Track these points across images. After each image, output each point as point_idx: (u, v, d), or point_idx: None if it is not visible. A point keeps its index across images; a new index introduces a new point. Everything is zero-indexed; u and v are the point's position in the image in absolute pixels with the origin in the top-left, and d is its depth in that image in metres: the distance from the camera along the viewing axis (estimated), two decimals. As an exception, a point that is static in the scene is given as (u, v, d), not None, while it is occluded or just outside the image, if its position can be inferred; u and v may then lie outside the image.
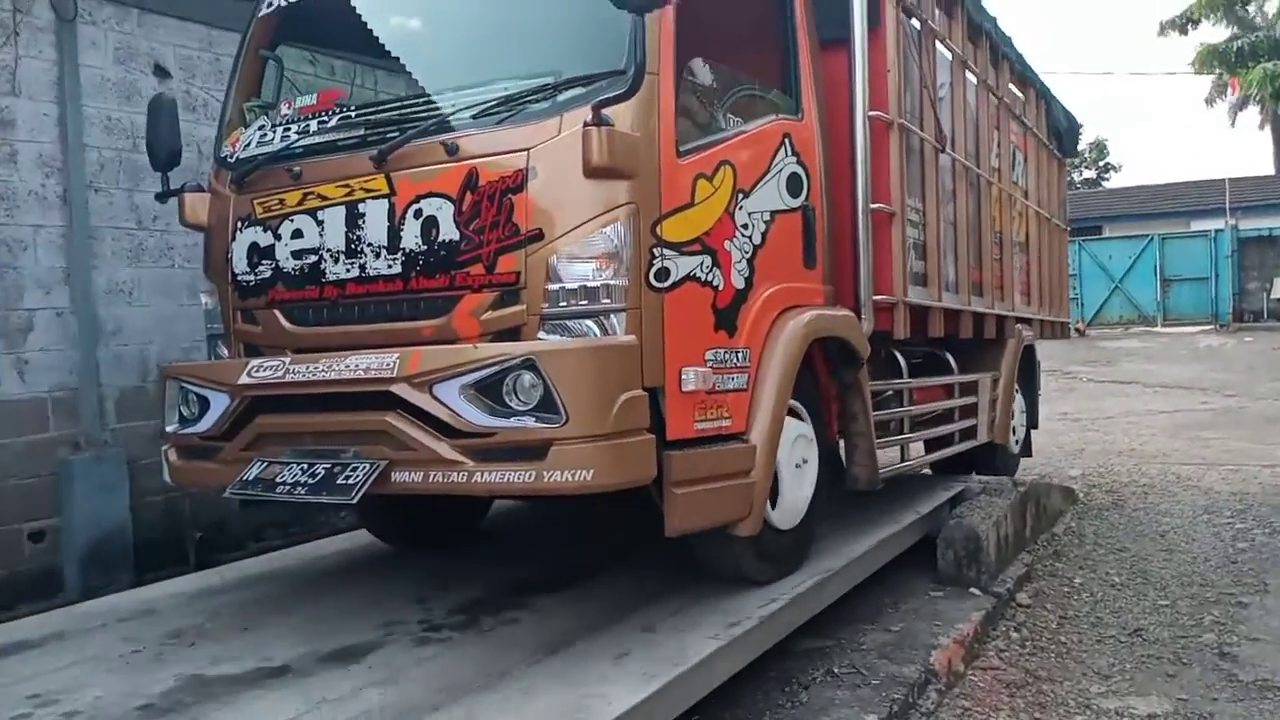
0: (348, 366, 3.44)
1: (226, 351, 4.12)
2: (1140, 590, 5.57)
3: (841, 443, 4.85)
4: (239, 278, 4.02)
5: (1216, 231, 28.37)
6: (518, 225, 3.37)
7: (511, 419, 3.19)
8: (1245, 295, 28.07)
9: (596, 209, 3.31)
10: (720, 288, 3.69)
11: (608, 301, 3.31)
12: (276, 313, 3.91)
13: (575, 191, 3.33)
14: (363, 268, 3.66)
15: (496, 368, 3.20)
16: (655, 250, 3.39)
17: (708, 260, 3.62)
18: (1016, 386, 7.51)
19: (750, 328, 3.87)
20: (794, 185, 4.26)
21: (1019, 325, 7.66)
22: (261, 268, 3.95)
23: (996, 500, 5.90)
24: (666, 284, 3.42)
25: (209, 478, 3.94)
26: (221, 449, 3.83)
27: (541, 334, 3.34)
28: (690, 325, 3.56)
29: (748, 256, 3.88)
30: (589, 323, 3.32)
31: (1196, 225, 29.94)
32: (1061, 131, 9.52)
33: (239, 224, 4.02)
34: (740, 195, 3.84)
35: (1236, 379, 16.80)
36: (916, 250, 5.39)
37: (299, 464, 3.53)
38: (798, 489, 4.23)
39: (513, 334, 3.38)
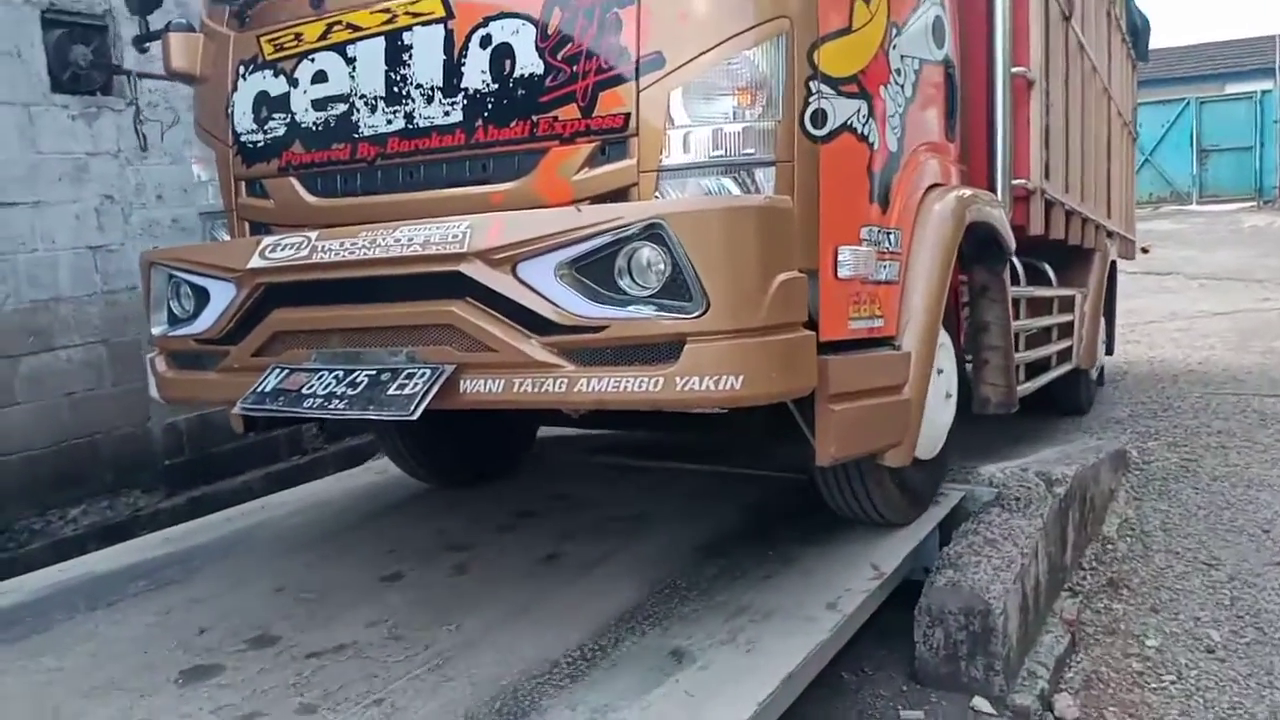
0: (399, 240, 2.58)
1: (227, 235, 3.26)
2: (1263, 663, 3.27)
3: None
4: (243, 138, 3.15)
5: (1263, 93, 24.49)
6: (626, 50, 2.51)
7: (628, 307, 2.35)
8: None
9: (739, 24, 2.45)
10: (876, 146, 2.85)
11: (752, 151, 2.47)
12: (293, 181, 3.05)
13: (709, 1, 2.47)
14: (409, 117, 2.80)
15: (609, 237, 2.35)
16: (811, 84, 2.54)
17: (864, 108, 2.77)
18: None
19: (902, 204, 3.05)
20: (938, 32, 3.40)
21: (1107, 239, 6.88)
22: (273, 123, 3.08)
23: (1019, 522, 3.37)
24: (824, 132, 2.57)
25: (210, 391, 3.09)
26: (226, 354, 2.99)
27: (658, 197, 2.50)
28: (848, 191, 2.72)
29: (900, 111, 3.03)
30: (726, 180, 2.47)
31: (1232, 89, 26.16)
32: (1138, 31, 8.63)
33: (242, 69, 3.14)
34: (894, 30, 2.98)
35: None
36: (1044, 135, 4.54)
37: (332, 371, 2.69)
38: (942, 410, 3.44)
39: (618, 199, 2.54)
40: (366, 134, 2.88)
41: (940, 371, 3.34)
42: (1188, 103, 25.20)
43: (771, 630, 2.58)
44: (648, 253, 2.34)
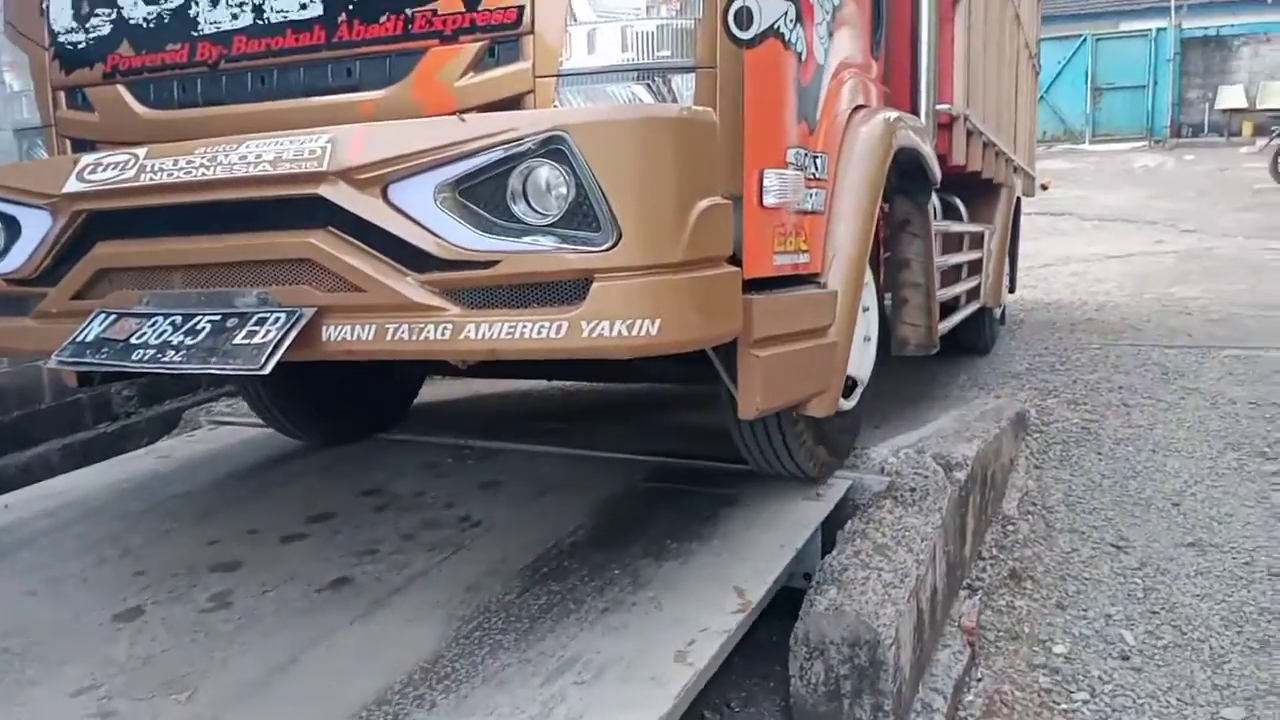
0: (244, 158, 2.15)
1: (44, 154, 2.75)
2: (1183, 671, 2.87)
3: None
4: (61, 38, 2.64)
5: (1158, 30, 24.47)
6: None
7: (524, 239, 1.99)
8: (1185, 106, 24.69)
9: None
10: (804, 57, 2.52)
11: (668, 54, 2.11)
12: (121, 89, 2.56)
13: None
14: (258, 11, 2.34)
15: (499, 153, 1.97)
16: None
17: (792, 10, 2.42)
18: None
19: (828, 125, 2.73)
20: (865, -65, 3.08)
21: (1013, 174, 6.75)
22: (96, 19, 2.57)
23: (914, 520, 2.84)
24: (749, 34, 2.21)
25: (26, 341, 2.61)
26: (43, 296, 2.52)
27: (558, 106, 2.13)
28: (774, 105, 2.39)
29: (828, 18, 2.71)
30: (638, 88, 2.11)
31: (1126, 26, 25.51)
32: (1041, -41, 8.47)
33: (56, -48, 2.62)
34: (822, -78, 2.64)
35: (1189, 208, 14.06)
36: (966, 58, 4.29)
37: (168, 316, 2.26)
38: (864, 353, 3.18)
39: (510, 109, 2.15)
40: (208, 31, 2.41)
41: (865, 310, 3.07)
42: (1084, 39, 25.06)
43: (600, 698, 1.93)
44: (546, 172, 1.97)
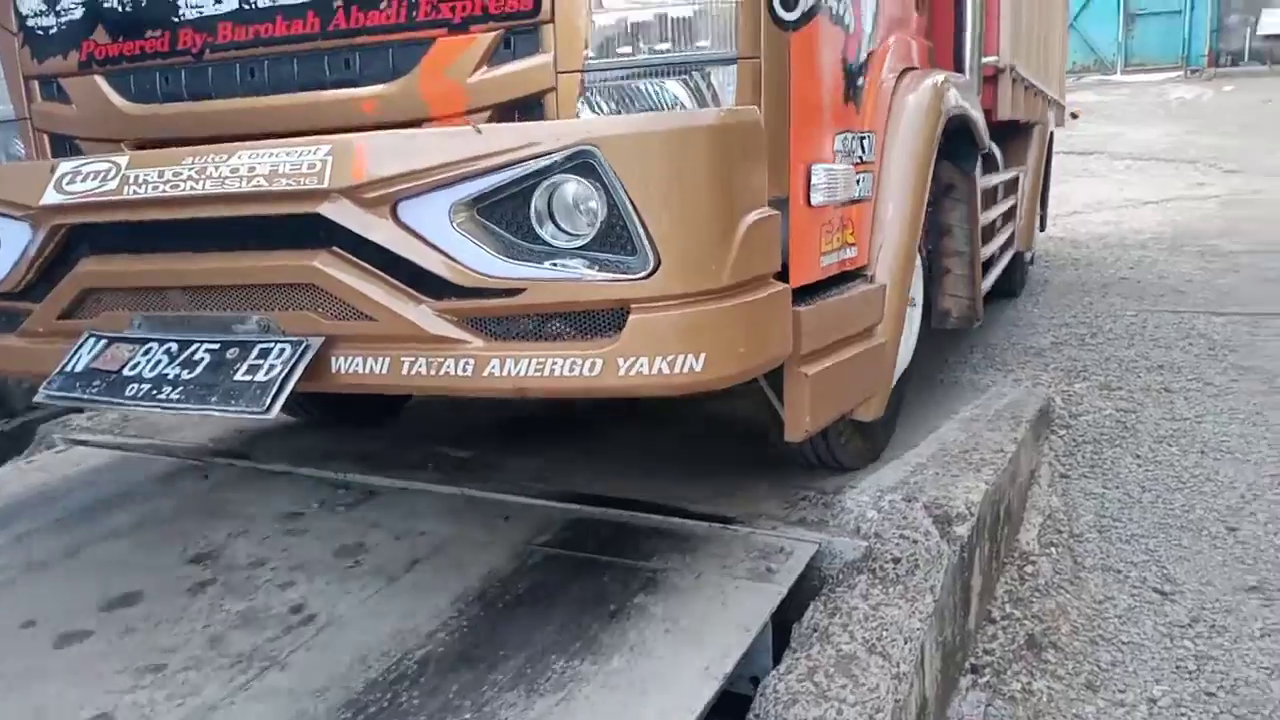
0: (236, 171, 1.93)
1: (23, 149, 2.53)
2: None
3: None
4: (30, 22, 2.40)
5: None
6: None
7: (549, 263, 1.78)
8: (1224, 33, 23.17)
9: None
10: (851, 29, 2.27)
11: (707, 44, 1.87)
12: (99, 80, 2.33)
13: None
14: None
15: (519, 170, 1.75)
16: None
17: (840, -20, 2.17)
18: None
19: (874, 98, 2.49)
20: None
21: (1048, 107, 6.43)
22: (66, 2, 2.33)
23: (895, 613, 2.12)
24: (795, 15, 1.97)
25: (12, 362, 2.42)
26: (29, 314, 2.32)
27: (583, 107, 1.90)
28: (822, 92, 2.16)
29: (875, -20, 2.45)
30: (673, 85, 1.88)
31: None
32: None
33: (20, -74, 2.37)
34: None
35: (1231, 145, 12.78)
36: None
37: (163, 343, 2.07)
38: (907, 335, 2.98)
39: (530, 109, 1.93)
40: (189, 17, 2.17)
41: (914, 304, 2.86)
42: (1117, -41, 23.39)
43: None
44: (574, 190, 1.76)
